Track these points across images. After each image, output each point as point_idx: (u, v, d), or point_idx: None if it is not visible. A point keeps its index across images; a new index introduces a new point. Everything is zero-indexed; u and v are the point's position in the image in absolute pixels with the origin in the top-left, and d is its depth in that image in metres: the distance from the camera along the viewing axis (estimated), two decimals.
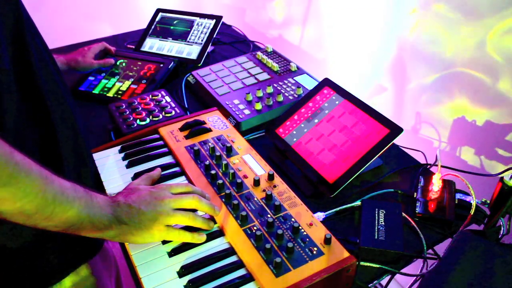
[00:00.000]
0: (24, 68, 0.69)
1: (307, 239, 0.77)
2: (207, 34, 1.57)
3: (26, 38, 0.70)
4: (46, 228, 0.65)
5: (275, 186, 0.89)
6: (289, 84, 1.31)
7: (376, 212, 0.89)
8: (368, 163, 0.96)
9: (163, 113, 1.20)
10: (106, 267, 0.98)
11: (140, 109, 1.21)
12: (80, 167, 0.83)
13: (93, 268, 0.89)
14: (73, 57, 1.38)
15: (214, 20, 1.60)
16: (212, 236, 0.81)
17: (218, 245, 0.79)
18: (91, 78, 1.43)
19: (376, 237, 0.83)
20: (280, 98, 1.24)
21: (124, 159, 1.01)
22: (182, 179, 0.95)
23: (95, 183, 0.91)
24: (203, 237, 0.79)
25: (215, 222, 0.83)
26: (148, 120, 1.17)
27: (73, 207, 0.65)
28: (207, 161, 0.96)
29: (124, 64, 1.47)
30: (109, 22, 2.27)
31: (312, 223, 0.80)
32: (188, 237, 0.78)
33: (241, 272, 0.74)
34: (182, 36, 1.60)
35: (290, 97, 1.25)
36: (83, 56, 1.38)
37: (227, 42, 1.73)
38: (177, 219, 0.77)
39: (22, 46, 0.69)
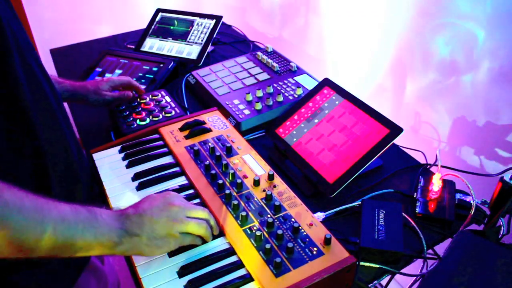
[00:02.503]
0: (8, 88, 0.65)
1: (307, 239, 0.77)
2: (207, 34, 1.57)
3: (10, 55, 0.64)
4: (52, 257, 0.61)
5: (275, 186, 0.89)
6: (289, 84, 1.31)
7: (376, 212, 0.89)
8: (368, 163, 0.96)
9: (163, 113, 1.20)
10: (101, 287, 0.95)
11: (140, 109, 1.21)
12: (72, 184, 0.80)
13: None
14: (84, 85, 1.15)
15: (214, 20, 1.60)
16: (212, 237, 0.81)
17: (218, 245, 0.79)
18: (97, 78, 1.43)
19: (376, 237, 0.83)
20: (280, 98, 1.24)
21: (124, 159, 1.01)
22: (182, 179, 0.95)
23: (88, 197, 0.87)
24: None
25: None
26: (148, 120, 1.17)
27: (77, 232, 0.62)
28: (207, 161, 0.96)
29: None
30: (109, 22, 2.27)
31: (312, 223, 0.80)
32: (202, 236, 0.76)
33: (241, 272, 0.74)
34: (182, 36, 1.60)
35: (290, 97, 1.25)
36: (97, 86, 1.15)
37: (227, 42, 1.73)
38: (191, 227, 0.74)
39: (4, 64, 0.64)
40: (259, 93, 1.26)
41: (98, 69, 1.47)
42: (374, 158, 0.97)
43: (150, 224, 0.70)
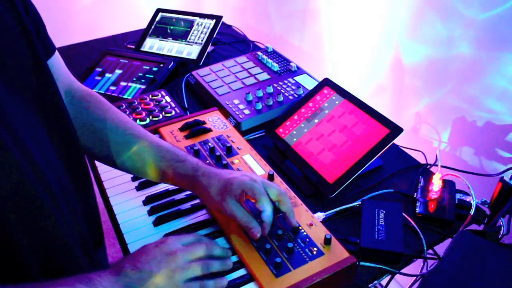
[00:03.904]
0: None
1: (307, 239, 0.77)
2: (207, 34, 1.57)
3: None
4: None
5: None
6: (289, 84, 1.31)
7: (376, 212, 0.89)
8: (368, 163, 0.96)
9: (163, 113, 1.20)
10: None
11: (140, 109, 1.21)
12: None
13: None
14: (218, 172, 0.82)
15: (214, 20, 1.60)
16: (212, 237, 0.80)
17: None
18: (97, 78, 1.43)
19: (376, 237, 0.83)
20: (280, 98, 1.24)
21: None
22: None
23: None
24: (225, 282, 0.72)
25: (232, 254, 0.77)
26: (148, 120, 1.17)
27: None
28: (207, 161, 0.96)
29: None
30: (109, 22, 2.27)
31: (312, 223, 0.80)
32: (211, 287, 0.70)
33: (241, 272, 0.74)
34: (182, 36, 1.60)
35: (290, 97, 1.25)
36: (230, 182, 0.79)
37: (227, 42, 1.73)
38: (194, 270, 0.69)
39: None
40: (259, 93, 1.26)
41: (98, 69, 1.47)
42: (374, 158, 0.97)
43: (150, 279, 0.65)
